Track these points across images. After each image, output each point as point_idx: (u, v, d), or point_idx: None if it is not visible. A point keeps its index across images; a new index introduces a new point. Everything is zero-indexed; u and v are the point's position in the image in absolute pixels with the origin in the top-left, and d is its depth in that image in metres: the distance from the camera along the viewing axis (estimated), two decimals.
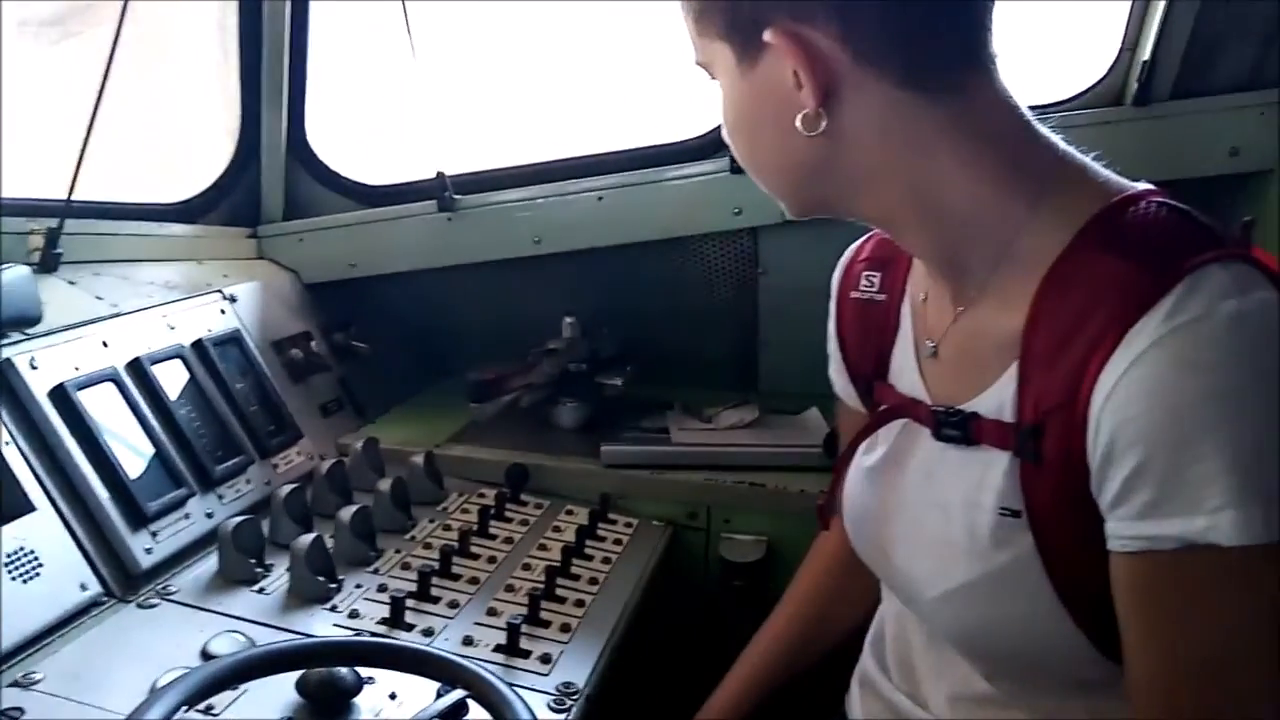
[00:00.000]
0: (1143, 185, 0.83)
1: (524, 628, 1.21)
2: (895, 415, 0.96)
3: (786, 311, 1.84)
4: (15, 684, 1.01)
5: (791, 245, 1.79)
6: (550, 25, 1.93)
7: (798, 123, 0.81)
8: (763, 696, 1.22)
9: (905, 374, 0.97)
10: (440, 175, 1.83)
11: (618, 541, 1.51)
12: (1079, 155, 0.85)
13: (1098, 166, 0.85)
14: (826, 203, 0.89)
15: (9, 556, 1.10)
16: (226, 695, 1.00)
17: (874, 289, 1.03)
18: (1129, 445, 0.72)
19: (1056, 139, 0.85)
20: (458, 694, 0.96)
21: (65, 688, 1.02)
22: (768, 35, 0.79)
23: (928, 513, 0.91)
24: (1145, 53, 1.55)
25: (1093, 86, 1.62)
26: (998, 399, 0.84)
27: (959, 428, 0.87)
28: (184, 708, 0.85)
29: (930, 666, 1.00)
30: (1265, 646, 0.73)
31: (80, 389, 1.27)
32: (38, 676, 1.03)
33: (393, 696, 1.05)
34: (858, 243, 1.08)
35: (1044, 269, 0.81)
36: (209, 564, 1.29)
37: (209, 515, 1.36)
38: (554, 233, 1.84)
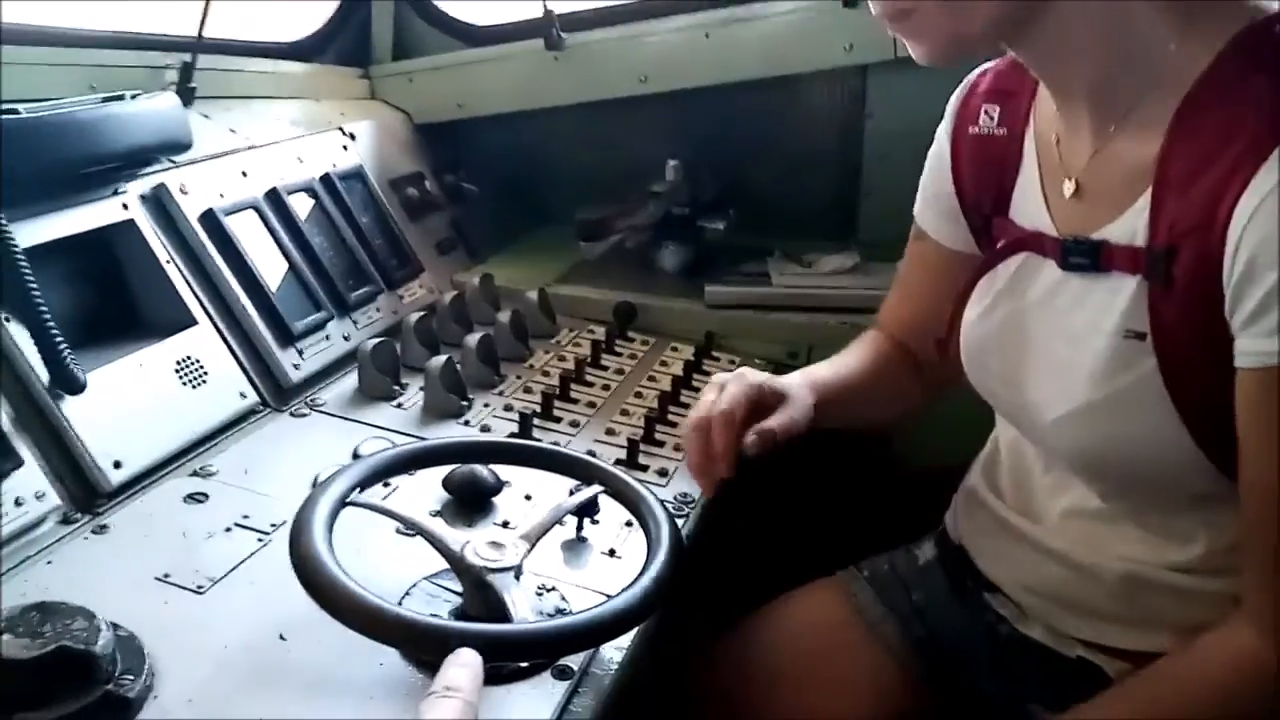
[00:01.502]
0: None
1: (641, 445, 1.29)
2: (1018, 248, 0.98)
3: (891, 158, 1.83)
4: (195, 474, 1.13)
5: (902, 87, 1.77)
6: None
7: None
8: (828, 402, 1.12)
9: (1028, 208, 0.99)
10: (548, 11, 1.83)
11: None
12: None
13: None
14: (1016, 15, 0.85)
15: (178, 364, 1.21)
16: (379, 491, 1.10)
17: (994, 123, 1.03)
18: (1267, 266, 0.75)
19: None
20: (590, 491, 1.05)
21: (239, 479, 1.13)
22: None
23: (1050, 340, 0.95)
24: None
25: None
26: (1130, 225, 0.86)
27: (1089, 255, 0.89)
28: (357, 490, 0.95)
29: (1046, 488, 1.05)
30: None
31: (227, 215, 1.35)
32: (214, 469, 1.14)
33: (528, 498, 1.14)
34: (973, 75, 1.08)
35: (1184, 91, 0.82)
36: (349, 381, 1.39)
37: (346, 338, 1.45)
38: (660, 71, 1.84)
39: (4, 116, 1.09)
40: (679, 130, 1.93)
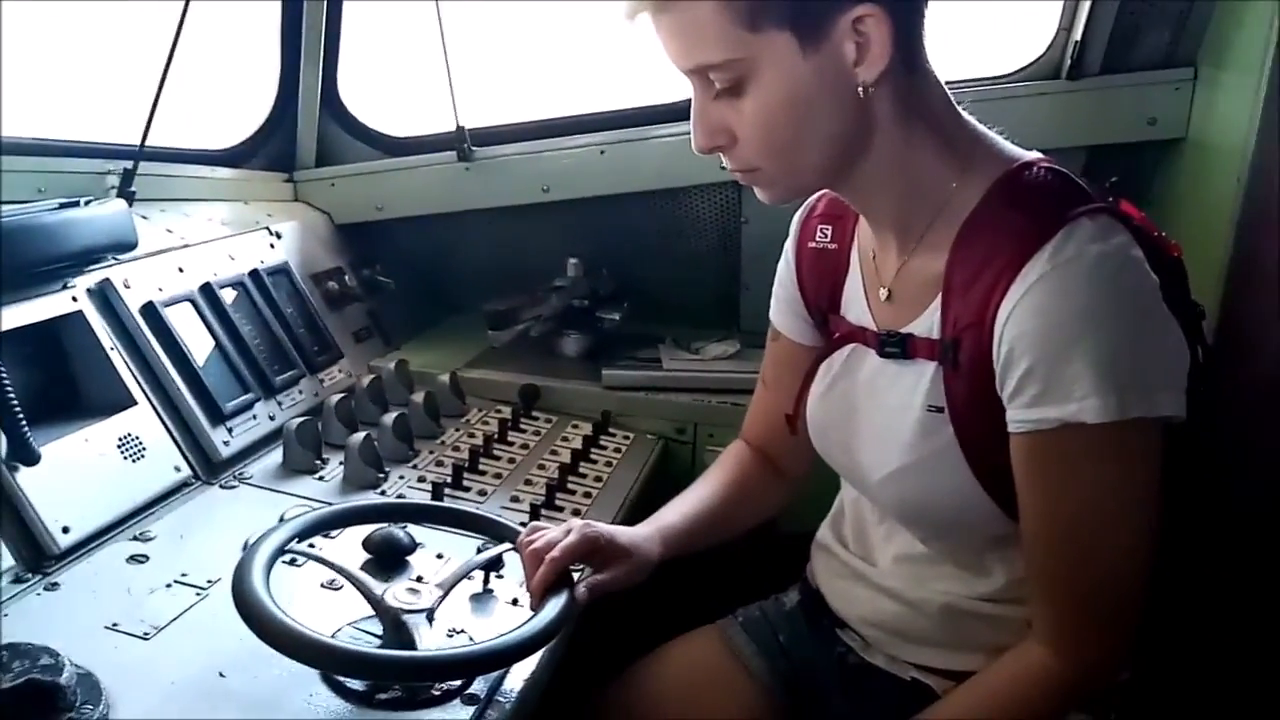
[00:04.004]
0: (1033, 154, 1.07)
1: (543, 510, 1.46)
2: (848, 340, 1.19)
3: (765, 258, 2.04)
4: (135, 539, 1.25)
5: None
6: None
7: (860, 92, 0.96)
8: (680, 547, 1.28)
9: (854, 308, 1.20)
10: (460, 128, 2.04)
11: (617, 450, 1.75)
12: (985, 129, 1.07)
13: (997, 137, 1.07)
14: (842, 170, 1.03)
15: (119, 441, 1.33)
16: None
17: (828, 240, 1.24)
18: (1022, 353, 0.96)
19: (967, 114, 1.07)
20: (497, 548, 1.20)
21: (176, 543, 1.26)
22: (856, 11, 0.93)
23: (874, 414, 1.15)
24: (1077, 34, 1.77)
25: (1033, 62, 1.85)
26: (928, 322, 1.07)
27: (898, 345, 1.10)
28: (296, 540, 1.09)
29: (880, 537, 1.24)
30: (1124, 505, 0.99)
31: (165, 306, 1.49)
32: (153, 534, 1.27)
33: (440, 556, 1.29)
34: (809, 202, 1.28)
35: (962, 219, 1.04)
36: (275, 456, 1.53)
37: (271, 417, 1.59)
38: (561, 181, 2.05)
39: None
40: (579, 232, 2.13)
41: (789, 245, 1.31)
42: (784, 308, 1.33)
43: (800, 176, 1.06)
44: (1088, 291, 0.94)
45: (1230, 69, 1.62)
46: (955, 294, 1.04)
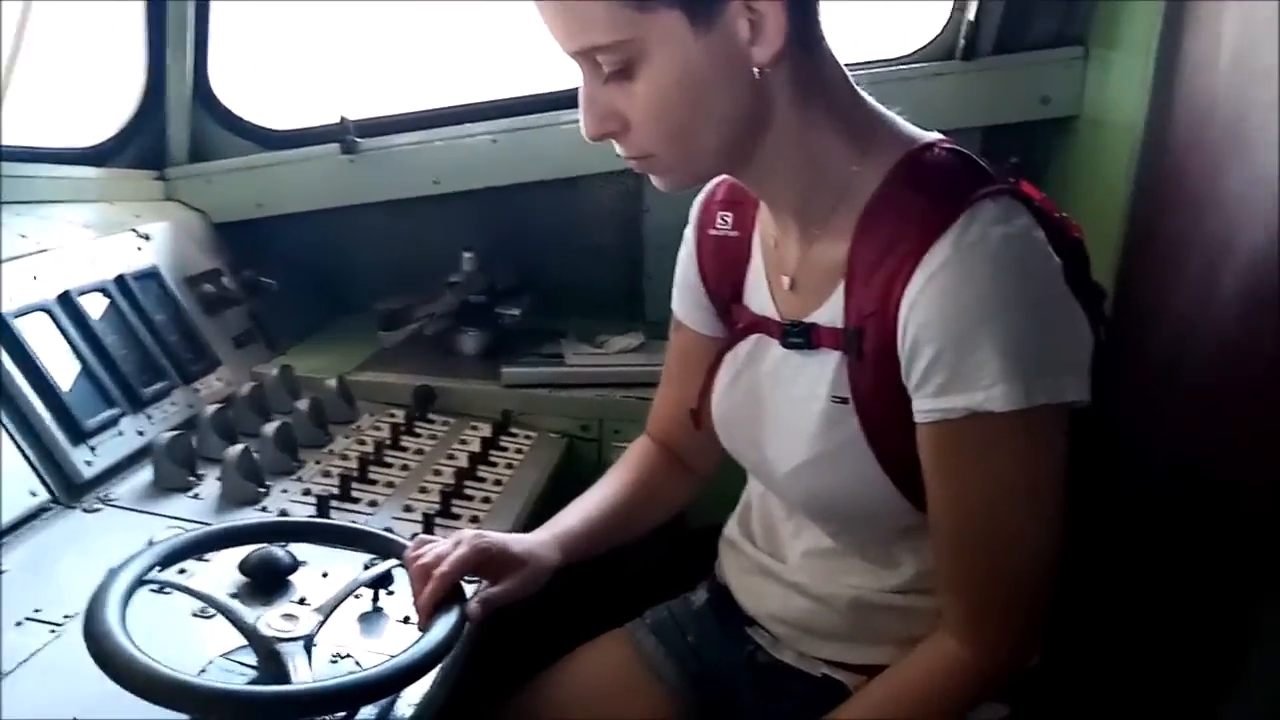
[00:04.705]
0: (934, 135, 1.04)
1: (437, 519, 1.38)
2: (751, 330, 1.15)
3: (668, 247, 2.00)
4: None
5: None
6: None
7: (756, 73, 0.93)
8: (579, 552, 1.23)
9: (757, 297, 1.16)
10: (343, 119, 1.95)
11: (519, 451, 1.68)
12: (884, 110, 1.04)
13: (897, 118, 1.04)
14: (739, 154, 1.00)
15: None
16: (172, 578, 1.13)
17: (728, 227, 1.20)
18: (926, 341, 0.93)
19: (866, 95, 1.03)
20: (385, 565, 1.13)
21: (29, 575, 1.15)
22: None
23: (779, 406, 1.11)
24: (970, 13, 1.77)
25: (928, 44, 1.84)
26: (831, 311, 1.04)
27: (802, 335, 1.06)
28: (157, 569, 1.00)
29: (789, 533, 1.20)
30: (1033, 492, 0.97)
31: (16, 317, 1.37)
32: (3, 567, 1.15)
33: (324, 575, 1.20)
34: (709, 187, 1.23)
35: (863, 206, 1.01)
36: (144, 475, 1.41)
37: (140, 433, 1.48)
38: (451, 173, 1.97)
39: None
40: (475, 224, 2.06)
41: (689, 233, 1.26)
42: (686, 297, 1.28)
43: (696, 162, 1.02)
44: (992, 277, 0.91)
45: (1119, 47, 1.63)
46: (858, 281, 1.00)
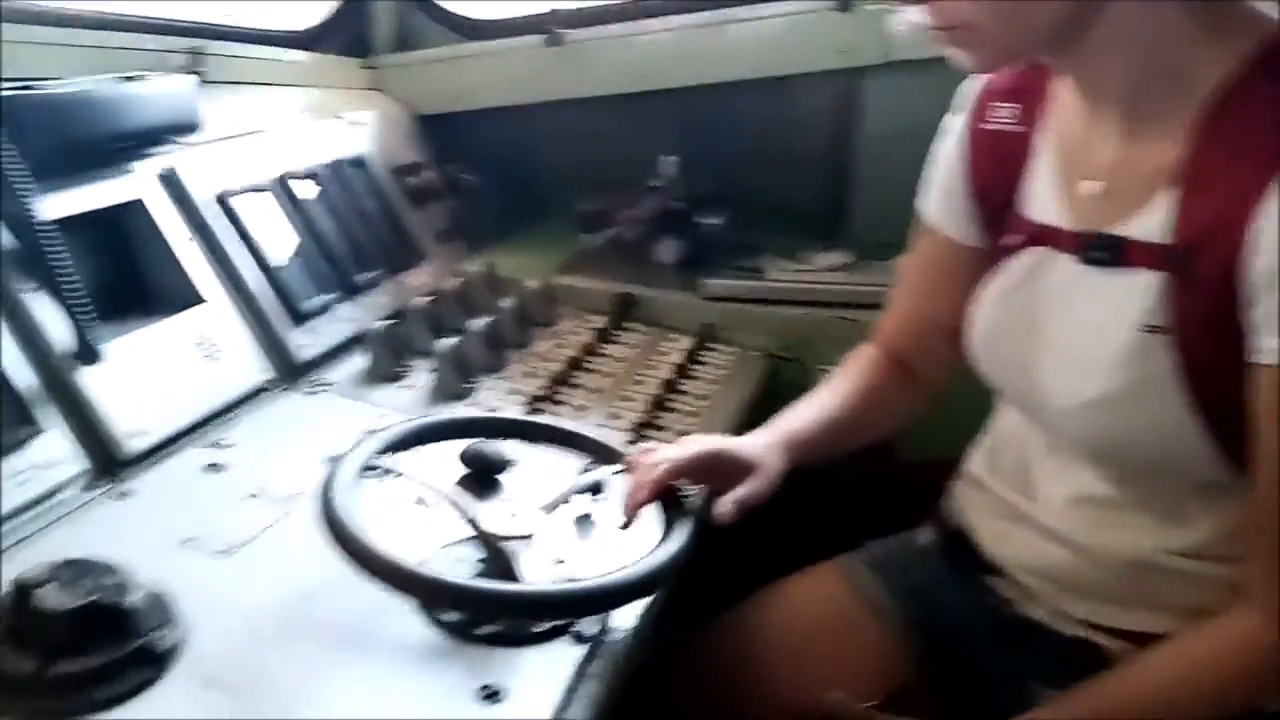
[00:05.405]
0: None
1: (645, 430, 1.32)
2: (1034, 243, 1.01)
3: (885, 160, 1.86)
4: (213, 445, 1.14)
5: (896, 90, 1.80)
6: None
7: None
8: (806, 456, 1.13)
9: (1042, 203, 1.01)
10: (554, 11, 1.86)
11: (720, 367, 1.60)
12: None
13: None
14: (1069, 33, 0.88)
15: (192, 340, 1.22)
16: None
17: (1011, 120, 1.06)
18: None
19: None
20: (602, 470, 1.07)
21: (255, 452, 1.15)
22: None
23: (1064, 331, 0.98)
24: None
25: None
26: (1150, 223, 0.89)
27: (1109, 250, 0.92)
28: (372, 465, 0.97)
29: (1049, 473, 1.07)
30: None
31: (239, 196, 1.36)
32: (230, 442, 1.16)
33: (533, 477, 1.16)
34: (987, 76, 1.09)
35: (1209, 97, 0.85)
36: (356, 362, 1.40)
37: (352, 321, 1.46)
38: (655, 69, 1.86)
39: (27, 92, 1.10)
40: (676, 127, 1.95)
41: (958, 125, 1.12)
42: (945, 199, 1.14)
43: (1022, 37, 0.89)
44: None
45: None
46: (1196, 190, 0.86)
